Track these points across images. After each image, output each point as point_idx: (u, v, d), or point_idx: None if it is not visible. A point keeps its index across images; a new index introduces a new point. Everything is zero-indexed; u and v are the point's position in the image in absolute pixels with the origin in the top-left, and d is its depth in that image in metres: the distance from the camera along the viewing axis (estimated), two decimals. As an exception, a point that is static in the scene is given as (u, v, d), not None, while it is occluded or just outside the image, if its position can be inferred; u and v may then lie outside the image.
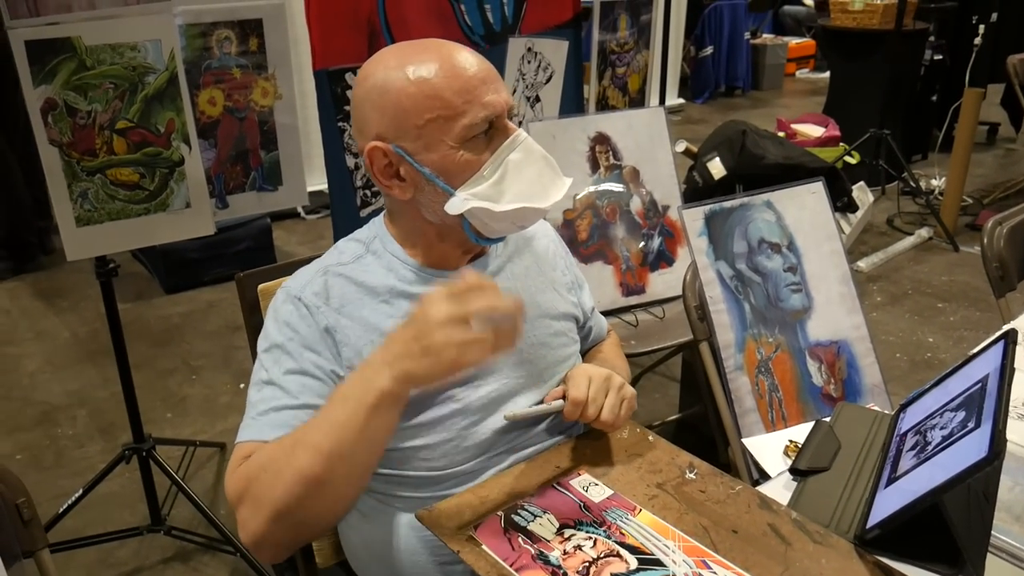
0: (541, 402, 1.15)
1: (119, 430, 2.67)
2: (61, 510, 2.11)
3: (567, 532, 0.99)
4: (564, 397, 1.13)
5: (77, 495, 2.13)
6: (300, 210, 4.52)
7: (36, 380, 3.04)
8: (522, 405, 1.14)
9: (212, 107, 2.01)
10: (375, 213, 1.19)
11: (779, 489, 1.13)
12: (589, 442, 1.17)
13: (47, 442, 2.68)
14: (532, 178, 1.06)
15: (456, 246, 1.13)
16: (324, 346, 1.06)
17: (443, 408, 1.08)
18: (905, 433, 1.11)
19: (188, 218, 1.94)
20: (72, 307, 3.57)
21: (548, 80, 2.57)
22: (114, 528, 2.19)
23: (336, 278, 1.10)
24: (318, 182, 3.72)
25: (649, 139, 2.40)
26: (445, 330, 0.89)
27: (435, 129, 1.03)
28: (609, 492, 1.06)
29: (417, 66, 1.03)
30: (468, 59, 1.05)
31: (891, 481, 1.03)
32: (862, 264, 3.89)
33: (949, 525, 0.91)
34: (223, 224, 3.47)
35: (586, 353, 1.37)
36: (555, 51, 2.56)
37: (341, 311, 1.07)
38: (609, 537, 0.98)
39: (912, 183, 4.39)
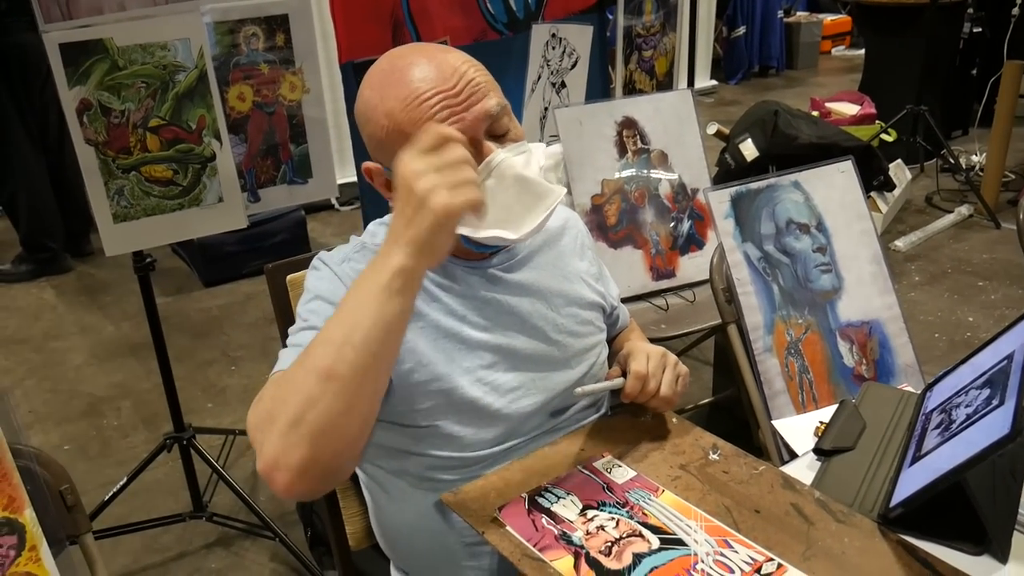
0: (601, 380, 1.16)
1: (162, 420, 2.74)
2: (107, 498, 2.18)
3: (590, 513, 1.00)
4: (624, 375, 1.14)
5: (121, 483, 2.19)
6: (334, 201, 4.57)
7: (82, 373, 3.13)
8: (550, 390, 1.15)
9: (241, 103, 2.04)
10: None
11: (803, 469, 1.13)
12: (613, 425, 1.19)
13: (93, 432, 2.76)
14: (506, 205, 1.00)
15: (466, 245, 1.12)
16: None
17: (474, 391, 1.10)
18: (931, 412, 1.11)
19: (221, 212, 1.98)
20: (115, 302, 3.66)
21: (573, 66, 2.57)
22: (158, 515, 2.25)
23: (372, 255, 1.11)
24: (350, 174, 3.79)
25: (677, 122, 2.39)
26: (426, 178, 0.85)
27: None
28: (632, 473, 1.07)
29: (387, 100, 1.01)
30: (429, 80, 1.00)
31: (916, 460, 1.03)
32: (900, 244, 3.82)
33: (973, 503, 0.91)
34: (257, 218, 3.54)
35: (612, 341, 1.37)
36: (580, 36, 2.56)
37: None
38: (632, 517, 0.99)
39: (951, 159, 4.30)
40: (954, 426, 0.99)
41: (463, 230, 1.00)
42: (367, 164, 1.09)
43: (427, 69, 1.01)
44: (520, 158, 1.02)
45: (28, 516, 1.08)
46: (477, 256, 1.14)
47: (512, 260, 1.17)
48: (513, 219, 1.00)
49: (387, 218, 1.20)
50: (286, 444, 0.85)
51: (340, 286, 1.07)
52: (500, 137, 1.04)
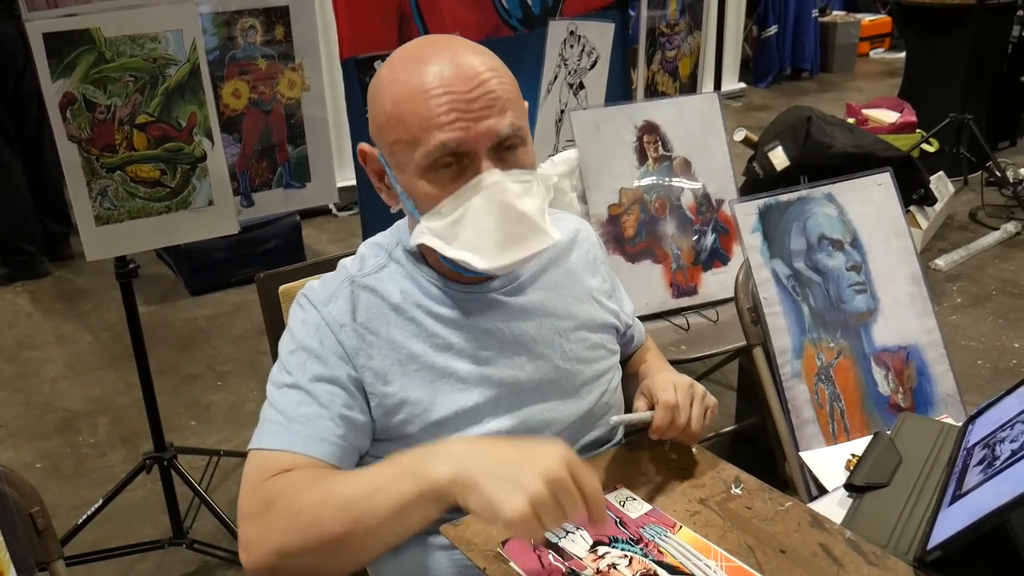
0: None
1: (142, 438, 2.74)
2: (80, 521, 2.18)
3: (601, 550, 0.99)
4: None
5: (96, 506, 2.19)
6: (332, 207, 4.59)
7: (57, 386, 3.14)
8: (558, 422, 1.15)
9: (236, 100, 2.06)
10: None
11: (833, 506, 1.13)
12: (627, 455, 1.18)
13: (68, 450, 2.76)
14: (486, 231, 1.01)
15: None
16: (343, 363, 1.07)
17: (475, 430, 1.09)
18: (973, 447, 1.10)
19: (211, 216, 1.99)
20: (94, 309, 3.68)
21: (593, 65, 2.58)
22: (135, 540, 2.25)
23: (362, 291, 1.11)
24: (349, 177, 3.80)
25: (701, 128, 2.40)
26: (543, 483, 0.83)
27: (400, 152, 1.04)
28: (647, 507, 1.07)
29: (400, 85, 1.02)
30: (445, 78, 1.00)
31: (956, 498, 1.02)
32: (940, 262, 3.81)
33: (1017, 547, 0.90)
34: (249, 223, 3.54)
35: (627, 361, 1.37)
36: (600, 34, 2.57)
37: (368, 327, 1.09)
38: (646, 556, 0.98)
39: (997, 172, 4.29)
40: (998, 463, 0.99)
41: (432, 242, 1.02)
42: (363, 145, 1.10)
43: (448, 66, 1.00)
44: (517, 186, 1.02)
45: (-4, 540, 1.08)
46: (475, 279, 1.13)
47: (515, 283, 1.17)
48: (486, 247, 1.01)
49: (379, 237, 1.20)
50: (275, 564, 0.93)
51: (327, 334, 1.07)
52: (505, 159, 1.03)
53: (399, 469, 0.91)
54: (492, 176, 1.00)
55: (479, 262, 1.01)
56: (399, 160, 1.05)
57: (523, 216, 1.02)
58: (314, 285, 1.14)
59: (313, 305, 1.10)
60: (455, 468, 0.87)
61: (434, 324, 1.11)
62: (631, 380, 1.31)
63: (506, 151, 1.03)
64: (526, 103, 1.09)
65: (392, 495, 0.89)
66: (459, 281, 1.13)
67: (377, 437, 1.09)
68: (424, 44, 1.06)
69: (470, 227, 1.01)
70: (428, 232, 1.04)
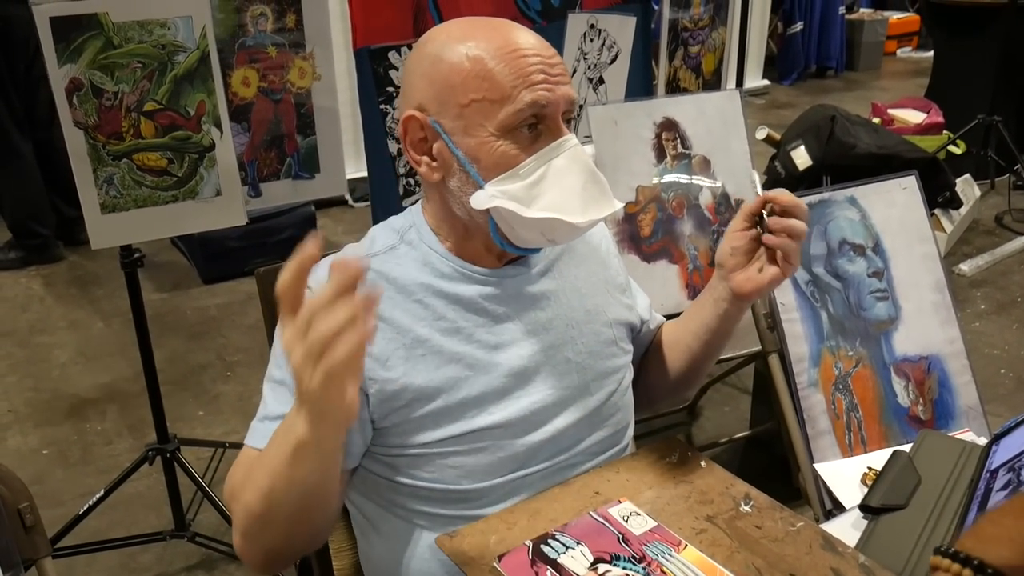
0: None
1: (149, 427, 2.70)
2: (82, 510, 2.16)
3: (601, 568, 0.95)
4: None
5: (98, 496, 2.18)
6: (347, 197, 4.56)
7: (67, 372, 3.13)
8: (564, 416, 1.11)
9: (246, 88, 2.02)
10: (418, 203, 1.17)
11: (847, 528, 1.08)
12: (634, 465, 1.14)
13: (75, 437, 2.75)
14: (572, 189, 1.02)
15: (485, 247, 1.10)
16: None
17: (478, 420, 1.06)
18: (996, 469, 1.05)
19: (218, 207, 1.96)
20: (107, 296, 3.67)
21: (613, 60, 2.53)
22: (139, 531, 2.24)
23: (367, 271, 1.08)
24: (362, 168, 3.77)
25: (722, 125, 2.34)
26: (298, 349, 0.79)
27: (478, 112, 1.01)
28: (652, 524, 1.02)
29: (479, 43, 1.02)
30: (533, 45, 1.02)
31: (977, 525, 0.97)
32: (965, 267, 3.74)
33: (1043, 580, 0.85)
34: (261, 212, 3.53)
35: (646, 353, 1.32)
36: (621, 28, 2.52)
37: (367, 311, 1.05)
38: (648, 575, 0.94)
39: (1026, 176, 4.22)
40: (1024, 489, 0.94)
41: (507, 205, 1.01)
42: (412, 112, 1.05)
43: (529, 37, 1.04)
44: (590, 156, 1.07)
45: (-20, 537, 1.05)
46: (492, 264, 1.11)
47: (530, 270, 1.13)
48: (573, 204, 1.02)
49: (392, 220, 1.17)
50: (245, 546, 0.99)
51: None
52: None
53: (276, 444, 0.92)
54: (573, 139, 1.03)
55: (572, 216, 1.02)
56: (472, 121, 1.02)
57: (600, 181, 1.05)
58: (317, 267, 1.11)
59: (309, 288, 1.07)
60: (298, 415, 0.84)
61: (444, 307, 1.07)
62: (676, 347, 1.27)
63: (566, 124, 1.05)
64: None
65: (281, 467, 0.89)
66: (473, 264, 1.10)
67: (377, 426, 1.06)
68: (488, 20, 1.06)
69: (554, 187, 1.02)
70: (502, 195, 1.02)
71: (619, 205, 1.06)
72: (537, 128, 1.02)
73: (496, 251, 1.10)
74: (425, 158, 1.06)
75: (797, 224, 1.07)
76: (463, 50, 1.02)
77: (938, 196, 3.67)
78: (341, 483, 1.04)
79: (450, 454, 1.06)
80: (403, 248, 1.11)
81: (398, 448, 1.06)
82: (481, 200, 1.02)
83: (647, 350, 1.32)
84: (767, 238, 1.08)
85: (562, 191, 1.02)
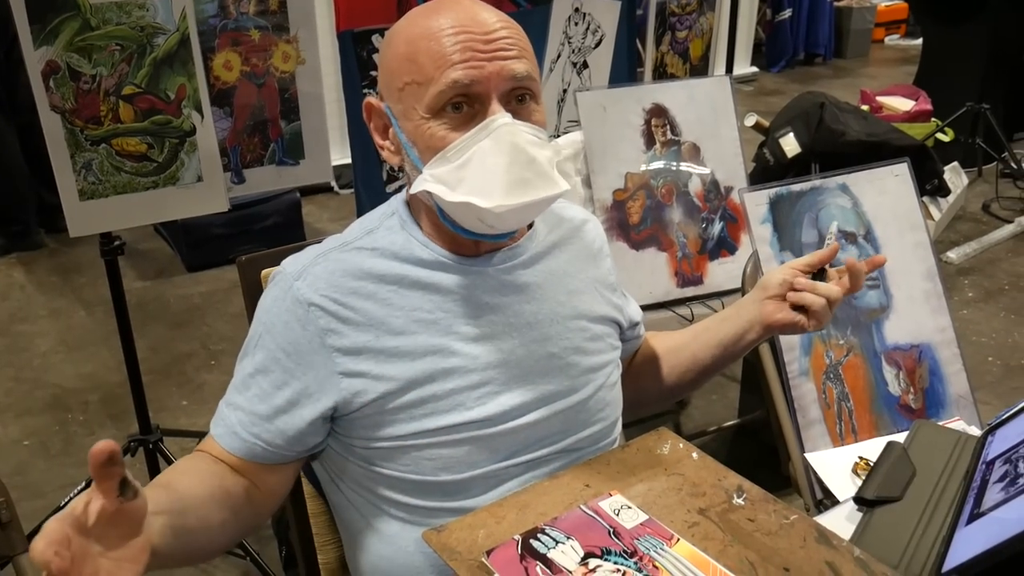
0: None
1: (132, 417, 2.67)
2: (64, 502, 2.13)
3: (592, 562, 0.93)
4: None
5: (80, 488, 2.15)
6: (333, 183, 4.51)
7: (49, 361, 3.09)
8: (547, 414, 1.09)
9: (228, 72, 1.99)
10: (403, 189, 1.15)
11: (841, 520, 1.06)
12: (623, 459, 1.11)
13: (56, 428, 2.72)
14: (493, 172, 0.97)
15: (455, 234, 1.06)
16: (310, 352, 1.02)
17: (454, 415, 1.04)
18: (992, 461, 1.03)
19: (200, 193, 1.93)
20: (89, 284, 3.62)
21: (598, 44, 2.50)
22: (121, 524, 2.20)
23: (341, 262, 1.05)
24: (348, 154, 3.73)
25: (712, 112, 2.32)
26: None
27: (411, 95, 1.00)
28: (643, 517, 1.00)
29: (414, 26, 1.01)
30: (463, 22, 0.98)
31: (973, 517, 0.96)
32: (953, 255, 3.75)
33: (1042, 575, 0.84)
34: (246, 199, 3.49)
35: (632, 359, 1.30)
36: (606, 12, 2.49)
37: (343, 301, 1.03)
38: (640, 570, 0.92)
39: (1013, 164, 4.22)
40: (1022, 481, 0.92)
41: (434, 188, 0.98)
42: (369, 98, 1.07)
43: (465, 14, 1.00)
44: (530, 136, 0.99)
45: (-47, 534, 1.02)
46: (474, 252, 1.07)
47: (516, 260, 1.10)
48: (493, 188, 0.97)
49: (375, 210, 1.14)
50: None
51: (292, 315, 1.03)
52: (517, 111, 1.01)
53: None
54: (504, 118, 0.97)
55: (484, 202, 0.96)
56: (407, 105, 1.01)
57: (533, 161, 0.98)
58: (288, 260, 1.08)
59: (282, 282, 1.05)
60: None
61: (420, 296, 1.04)
62: (679, 354, 1.28)
63: (518, 103, 1.01)
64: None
65: None
66: (457, 253, 1.07)
67: (346, 418, 1.04)
68: (434, 2, 1.03)
69: (477, 170, 0.97)
70: (431, 179, 0.99)
71: (563, 187, 1.00)
72: (473, 108, 0.99)
73: (466, 240, 1.06)
74: (387, 143, 1.07)
75: (834, 292, 1.11)
76: (401, 35, 1.02)
77: (926, 184, 3.66)
78: (286, 473, 1.07)
79: (426, 447, 1.04)
80: (382, 232, 1.08)
81: (370, 440, 1.04)
82: (417, 184, 1.01)
83: (635, 356, 1.30)
84: (806, 298, 1.11)
85: (484, 174, 0.97)
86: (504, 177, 0.96)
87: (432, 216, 1.06)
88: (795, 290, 1.12)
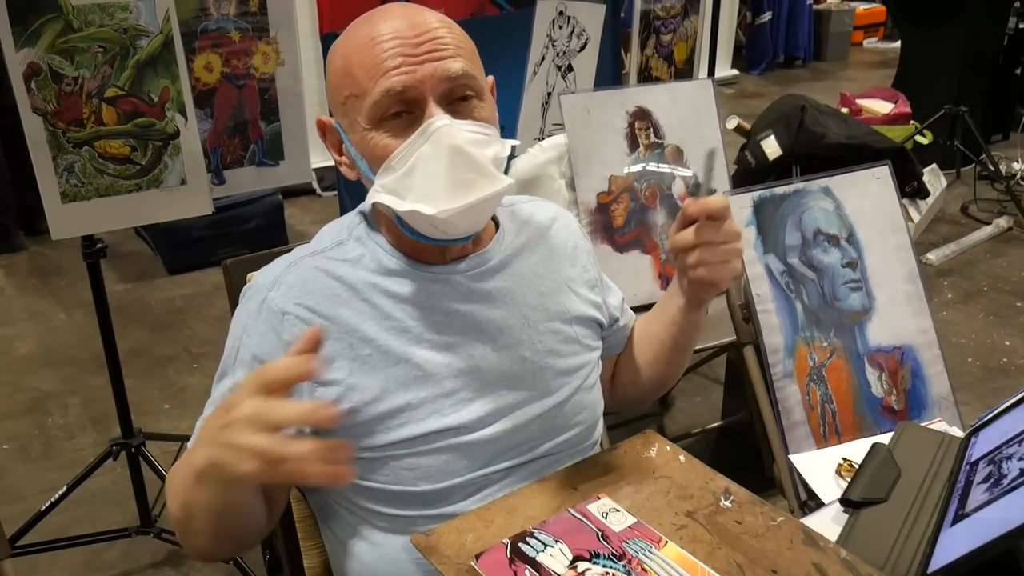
0: None
1: (113, 421, 2.65)
2: (44, 507, 2.11)
3: (581, 565, 0.93)
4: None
5: (60, 492, 2.13)
6: (315, 186, 4.50)
7: (28, 364, 3.06)
8: (522, 418, 1.08)
9: (208, 74, 1.97)
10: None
11: (827, 522, 1.07)
12: (611, 461, 1.12)
13: (36, 431, 2.69)
14: (435, 176, 0.95)
15: (417, 241, 1.05)
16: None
17: (429, 423, 1.03)
18: (976, 462, 1.04)
19: (183, 196, 1.91)
20: (69, 286, 3.59)
21: (582, 48, 2.51)
22: (103, 527, 2.19)
23: (312, 270, 1.05)
24: (330, 156, 3.72)
25: (695, 115, 2.33)
26: (246, 432, 0.78)
27: (352, 108, 1.00)
28: (632, 520, 1.00)
29: (347, 39, 1.00)
30: (394, 29, 0.97)
31: (958, 518, 0.96)
32: (932, 256, 3.77)
33: (1026, 575, 0.84)
34: (229, 201, 3.47)
35: (625, 349, 1.29)
36: (590, 15, 2.50)
37: (315, 309, 1.02)
38: (629, 573, 0.92)
39: (991, 166, 4.25)
40: (1006, 482, 0.93)
41: (385, 199, 0.98)
42: (320, 117, 1.07)
43: (396, 21, 0.98)
44: (469, 134, 0.97)
45: (-66, 542, 1.01)
46: (440, 259, 1.07)
47: (484, 267, 1.09)
48: (437, 193, 0.96)
49: (344, 217, 1.14)
50: (183, 543, 1.00)
51: (266, 324, 1.02)
52: (458, 110, 0.99)
53: (183, 464, 0.94)
54: (440, 120, 0.96)
55: (429, 208, 0.95)
56: (351, 119, 1.00)
57: (473, 161, 0.96)
58: (258, 273, 1.09)
59: (256, 294, 1.05)
60: (204, 450, 0.84)
61: (391, 305, 1.04)
62: (648, 337, 1.24)
63: (459, 102, 0.99)
64: (491, 78, 1.06)
65: (186, 486, 0.91)
66: (422, 261, 1.06)
67: (320, 430, 1.02)
68: (375, 10, 1.02)
69: (422, 176, 0.96)
70: (382, 190, 0.99)
71: (505, 182, 0.97)
72: (412, 113, 0.97)
73: (430, 246, 1.05)
74: (343, 158, 1.06)
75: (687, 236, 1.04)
76: (338, 49, 1.01)
77: (906, 186, 3.69)
78: (280, 491, 1.05)
79: (403, 456, 1.03)
80: (351, 244, 1.08)
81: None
82: (369, 196, 1.01)
83: (628, 345, 1.29)
84: (678, 241, 1.06)
85: (428, 179, 0.96)
86: (445, 181, 0.95)
87: (393, 225, 1.05)
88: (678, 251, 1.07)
